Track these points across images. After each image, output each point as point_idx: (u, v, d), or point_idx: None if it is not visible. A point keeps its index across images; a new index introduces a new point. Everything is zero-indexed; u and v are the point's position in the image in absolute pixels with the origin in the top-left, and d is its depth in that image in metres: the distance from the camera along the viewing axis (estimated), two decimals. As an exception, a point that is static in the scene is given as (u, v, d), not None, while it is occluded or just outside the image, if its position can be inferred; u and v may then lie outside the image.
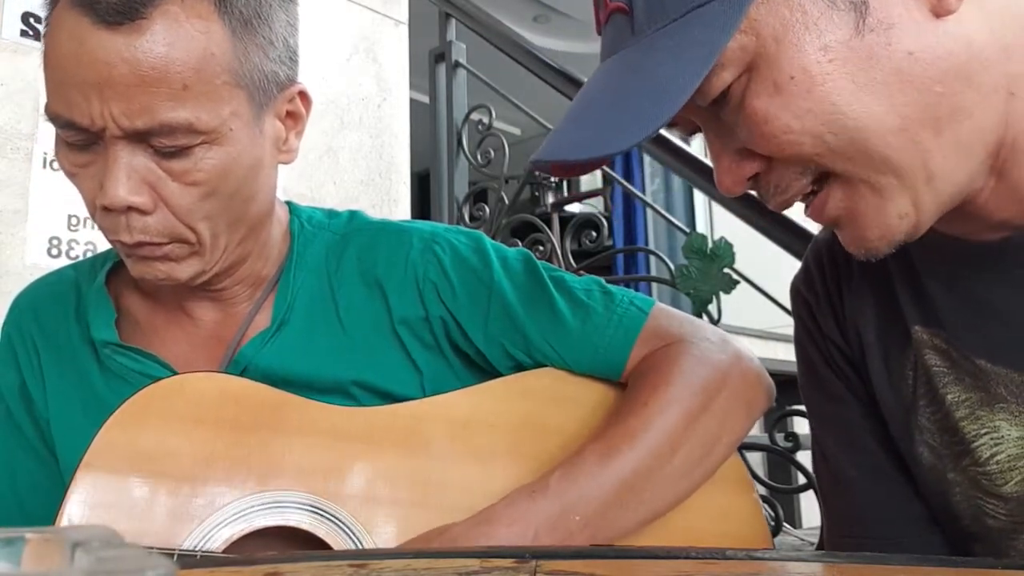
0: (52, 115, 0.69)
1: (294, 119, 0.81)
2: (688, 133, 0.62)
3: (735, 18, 0.51)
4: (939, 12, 0.52)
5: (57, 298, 0.88)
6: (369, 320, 0.85)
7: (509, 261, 0.88)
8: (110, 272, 0.87)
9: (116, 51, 0.65)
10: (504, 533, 0.70)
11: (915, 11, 0.52)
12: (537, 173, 2.39)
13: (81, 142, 0.69)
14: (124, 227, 0.70)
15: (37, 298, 0.89)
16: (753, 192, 0.61)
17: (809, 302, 0.75)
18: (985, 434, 0.61)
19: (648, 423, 0.77)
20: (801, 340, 0.76)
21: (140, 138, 0.68)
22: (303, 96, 0.80)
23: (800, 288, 0.76)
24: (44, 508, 0.82)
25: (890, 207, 0.55)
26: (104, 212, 0.70)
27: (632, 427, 0.77)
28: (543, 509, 0.72)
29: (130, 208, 0.69)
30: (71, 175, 0.72)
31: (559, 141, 0.57)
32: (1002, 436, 0.60)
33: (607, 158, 0.56)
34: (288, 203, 0.92)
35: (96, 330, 0.82)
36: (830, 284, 0.73)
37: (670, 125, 0.58)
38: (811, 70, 0.51)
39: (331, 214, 0.93)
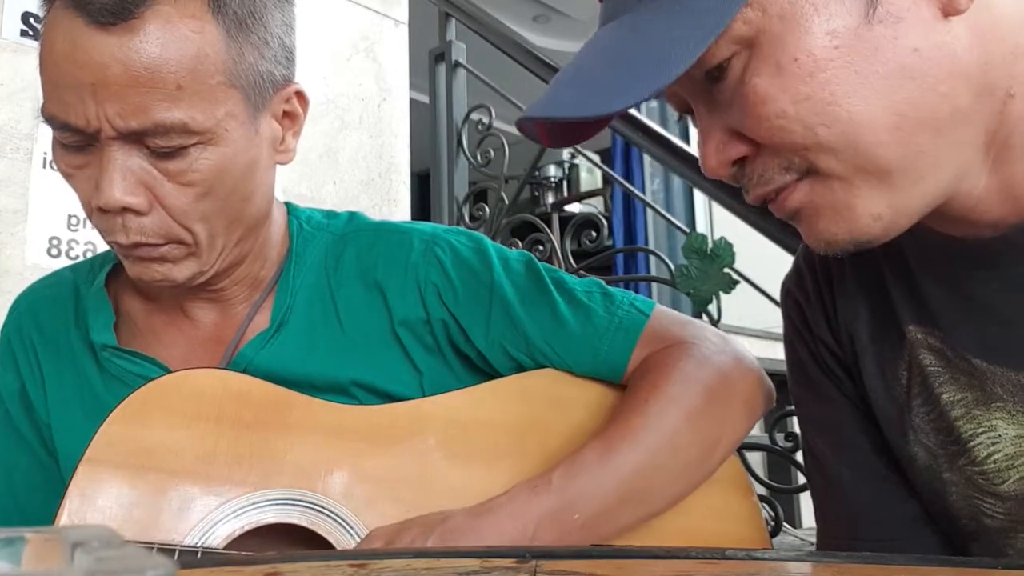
0: (48, 116, 0.69)
1: (291, 119, 0.80)
2: (677, 110, 0.60)
3: None
4: (948, 12, 0.51)
5: (56, 300, 0.88)
6: (368, 321, 0.85)
7: (510, 262, 0.88)
8: (109, 274, 0.87)
9: (109, 51, 0.65)
10: (505, 525, 0.70)
11: (924, 8, 0.51)
12: (537, 173, 2.39)
13: (77, 143, 0.69)
14: (120, 228, 0.70)
15: (36, 300, 0.89)
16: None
17: (799, 302, 0.74)
18: (982, 433, 0.61)
19: (649, 422, 0.77)
20: (791, 341, 0.76)
21: (135, 139, 0.68)
22: (300, 96, 0.80)
23: (791, 288, 0.76)
24: (42, 510, 0.82)
25: (862, 207, 0.54)
26: (100, 213, 0.70)
27: (633, 426, 0.77)
28: (544, 504, 0.72)
29: (126, 209, 0.69)
30: (68, 176, 0.72)
31: (549, 100, 0.55)
32: (999, 435, 0.60)
33: (600, 119, 0.53)
34: (287, 204, 0.92)
35: (95, 333, 0.82)
36: (821, 284, 0.72)
37: (663, 96, 0.57)
38: (816, 54, 0.50)
39: (330, 215, 0.93)
